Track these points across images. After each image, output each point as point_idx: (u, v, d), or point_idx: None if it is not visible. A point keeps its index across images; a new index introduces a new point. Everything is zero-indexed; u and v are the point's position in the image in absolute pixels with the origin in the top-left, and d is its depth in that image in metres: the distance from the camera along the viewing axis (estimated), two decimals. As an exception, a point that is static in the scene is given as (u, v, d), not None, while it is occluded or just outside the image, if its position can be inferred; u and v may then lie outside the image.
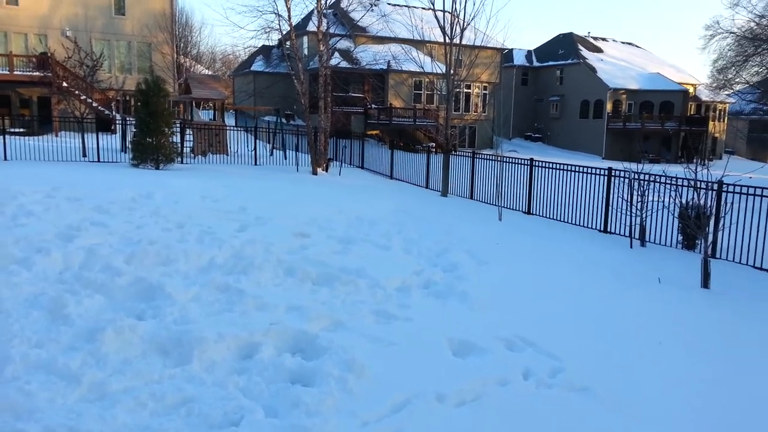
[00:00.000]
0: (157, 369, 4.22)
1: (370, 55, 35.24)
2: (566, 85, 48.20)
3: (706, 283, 7.54)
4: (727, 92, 40.91)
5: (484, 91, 41.90)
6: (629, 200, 10.45)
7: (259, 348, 4.63)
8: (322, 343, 4.76)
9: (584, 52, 48.14)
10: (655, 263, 8.91)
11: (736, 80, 32.16)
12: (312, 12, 28.02)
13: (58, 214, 8.94)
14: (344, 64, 31.53)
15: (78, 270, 6.20)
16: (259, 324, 5.04)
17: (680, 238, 10.27)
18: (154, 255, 6.84)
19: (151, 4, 34.83)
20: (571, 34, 50.56)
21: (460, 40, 16.99)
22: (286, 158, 24.09)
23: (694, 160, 9.05)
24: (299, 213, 10.91)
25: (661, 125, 44.17)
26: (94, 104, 28.07)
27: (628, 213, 10.45)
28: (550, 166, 13.22)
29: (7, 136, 18.94)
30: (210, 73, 52.22)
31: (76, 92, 27.53)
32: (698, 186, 8.60)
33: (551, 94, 49.46)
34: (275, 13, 21.03)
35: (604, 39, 52.89)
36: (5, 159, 18.33)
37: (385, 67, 35.43)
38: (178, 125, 22.08)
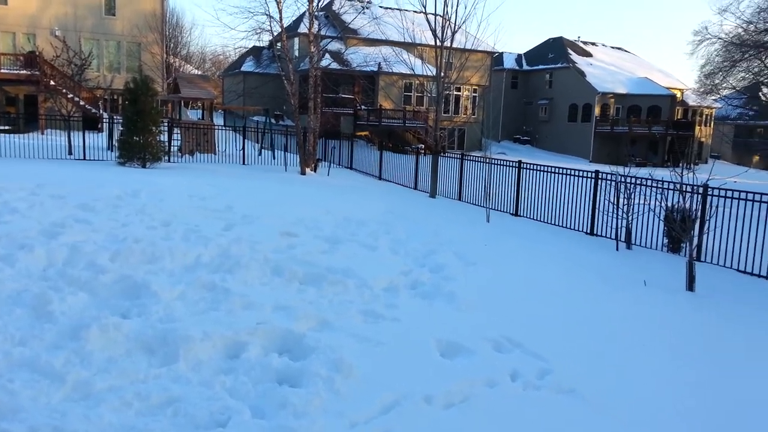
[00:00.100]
0: (142, 368, 4.18)
1: (360, 56, 35.26)
2: (555, 89, 48.53)
3: (691, 286, 7.60)
4: (713, 97, 41.40)
5: (474, 94, 42.06)
6: (616, 203, 10.53)
7: (245, 347, 4.59)
8: (310, 342, 4.73)
9: (574, 56, 48.49)
10: (641, 266, 8.97)
11: (723, 85, 32.53)
12: (304, 14, 27.98)
13: (43, 212, 8.84)
14: (335, 65, 31.52)
15: (62, 267, 6.13)
16: (245, 323, 5.01)
17: (665, 241, 10.35)
18: (140, 253, 6.78)
19: (142, 4, 34.63)
20: (561, 38, 50.90)
21: (451, 43, 17.05)
22: (274, 158, 24.03)
23: (680, 164, 9.12)
24: (287, 212, 10.87)
25: (648, 129, 44.59)
26: (82, 103, 27.84)
27: (615, 216, 10.53)
28: (538, 168, 13.28)
29: (-9, 133, 18.73)
30: (199, 73, 51.93)
31: (64, 91, 27.29)
32: (684, 189, 8.68)
33: (540, 98, 49.76)
34: (267, 15, 21.04)
35: (593, 43, 53.31)
36: (-10, 156, 18.10)
37: (375, 69, 35.45)
38: (165, 124, 21.94)
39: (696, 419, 4.22)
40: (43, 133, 23.75)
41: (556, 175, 12.64)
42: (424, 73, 26.83)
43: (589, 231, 11.64)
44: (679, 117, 47.91)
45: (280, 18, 20.66)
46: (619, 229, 10.46)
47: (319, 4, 21.26)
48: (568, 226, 12.07)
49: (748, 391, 4.75)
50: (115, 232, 7.91)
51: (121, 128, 18.55)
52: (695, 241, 8.33)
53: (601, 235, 11.32)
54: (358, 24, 32.63)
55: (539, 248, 9.95)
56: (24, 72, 27.13)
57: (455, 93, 40.26)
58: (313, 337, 4.86)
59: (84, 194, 10.72)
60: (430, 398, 4.10)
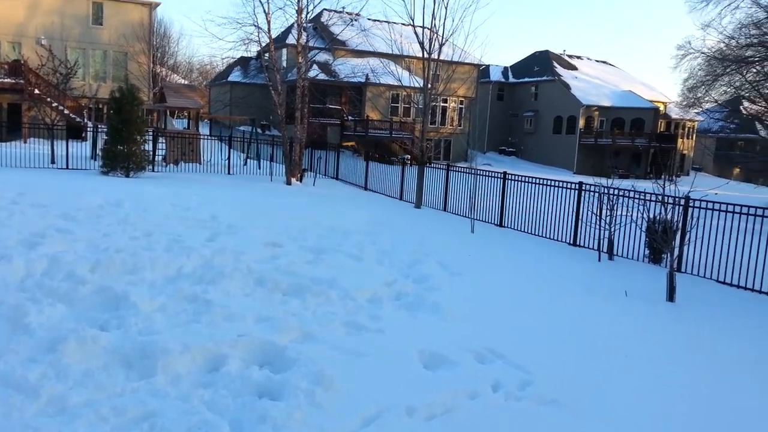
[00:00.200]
0: (119, 381, 4.11)
1: (348, 67, 35.38)
2: (541, 101, 49.01)
3: (671, 296, 7.67)
4: (696, 110, 41.97)
5: (461, 106, 42.35)
6: (599, 214, 10.62)
7: (225, 360, 4.54)
8: (291, 354, 4.69)
9: (559, 69, 49.06)
10: (623, 277, 9.04)
11: (705, 99, 33.01)
12: (292, 25, 28.03)
13: (23, 221, 8.72)
14: (322, 76, 31.60)
15: (40, 278, 6.04)
16: (226, 335, 4.95)
17: (647, 252, 10.45)
18: (120, 263, 6.70)
19: (130, 14, 34.54)
20: (546, 51, 51.49)
21: (438, 55, 17.17)
22: (260, 168, 23.95)
23: (663, 176, 9.23)
24: (272, 222, 10.82)
25: (631, 141, 45.16)
26: (66, 111, 27.60)
27: (598, 227, 10.62)
28: (523, 179, 13.37)
29: (-28, 142, 18.48)
30: (186, 82, 51.77)
31: (48, 99, 27.05)
32: (666, 201, 8.78)
33: (526, 110, 50.21)
34: (255, 26, 21.05)
35: (578, 57, 53.99)
36: (-30, 165, 17.86)
37: (363, 80, 35.59)
38: (150, 133, 21.81)
39: (678, 427, 4.24)
40: (25, 142, 23.49)
41: (541, 186, 12.74)
42: (412, 85, 26.95)
43: (572, 242, 11.72)
44: (662, 130, 48.57)
45: (269, 29, 20.70)
46: (601, 240, 10.54)
47: (308, 16, 21.33)
48: (552, 237, 12.15)
49: (729, 399, 4.79)
50: (97, 242, 7.82)
51: (105, 137, 18.41)
52: (676, 252, 8.41)
53: (584, 246, 11.40)
54: (347, 36, 32.78)
55: (523, 259, 9.99)
56: (8, 80, 26.83)
57: (442, 104, 40.51)
58: (295, 349, 4.82)
59: (66, 204, 10.60)
60: (412, 410, 4.08)
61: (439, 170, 16.83)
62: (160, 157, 22.55)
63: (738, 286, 8.82)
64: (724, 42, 28.84)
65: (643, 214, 9.84)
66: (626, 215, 10.26)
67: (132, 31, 33.73)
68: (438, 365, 4.93)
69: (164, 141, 23.44)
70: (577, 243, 11.62)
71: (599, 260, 10.27)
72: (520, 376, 4.81)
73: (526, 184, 13.17)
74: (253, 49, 25.05)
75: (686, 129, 51.19)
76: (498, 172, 14.28)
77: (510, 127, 51.42)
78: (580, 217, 11.55)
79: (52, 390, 3.85)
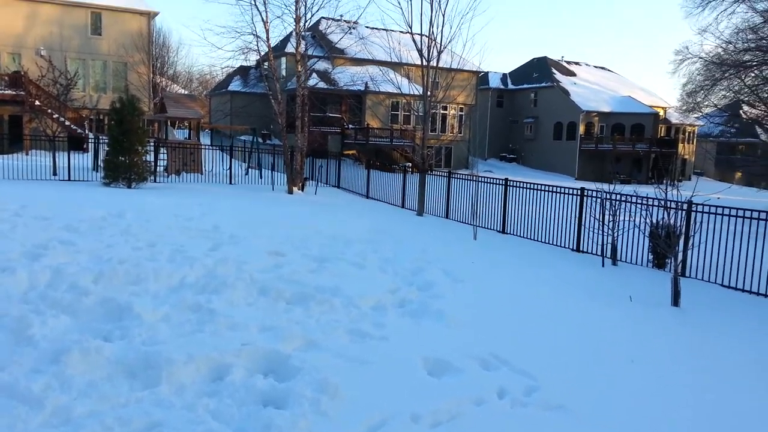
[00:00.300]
0: (124, 392, 4.09)
1: (348, 76, 35.49)
2: (540, 108, 49.12)
3: (676, 301, 7.65)
4: (696, 115, 42.09)
5: (460, 113, 42.44)
6: (601, 220, 10.61)
7: (230, 369, 4.52)
8: (296, 363, 4.68)
9: (558, 75, 49.20)
10: (627, 282, 9.02)
11: (705, 104, 33.06)
12: (290, 34, 28.16)
13: (26, 233, 8.73)
14: (322, 84, 31.67)
15: (44, 289, 6.03)
16: (230, 344, 4.94)
17: (651, 257, 10.43)
18: (123, 274, 6.70)
19: (129, 24, 34.69)
20: (545, 58, 51.66)
21: (437, 62, 17.22)
22: (261, 177, 23.99)
23: (664, 181, 9.23)
24: (274, 232, 10.82)
25: (632, 147, 45.19)
26: (67, 123, 27.70)
27: (601, 232, 10.60)
28: (525, 186, 13.37)
29: (-26, 154, 18.54)
30: (186, 92, 51.98)
31: (49, 111, 27.14)
32: (668, 206, 8.77)
33: (526, 116, 50.32)
34: (254, 35, 21.09)
35: (577, 63, 54.16)
36: (-28, 177, 17.90)
37: (362, 88, 35.69)
38: (152, 144, 21.87)
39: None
40: (27, 154, 23.55)
41: (543, 192, 12.74)
42: (411, 92, 27.06)
43: (575, 248, 11.70)
44: (662, 135, 48.64)
45: (267, 38, 20.79)
46: (604, 246, 10.53)
47: (306, 25, 21.42)
48: (555, 243, 12.13)
49: (736, 403, 4.76)
50: (100, 253, 7.82)
51: (106, 148, 18.46)
52: (680, 256, 8.39)
53: (588, 252, 11.38)
54: (345, 44, 32.94)
55: (526, 265, 9.97)
56: (9, 92, 26.94)
57: (442, 112, 40.60)
58: (299, 357, 4.80)
59: (68, 215, 10.61)
60: (417, 417, 4.06)
61: (441, 178, 16.84)
62: (162, 168, 22.59)
63: (743, 290, 8.80)
64: (721, 47, 28.95)
65: (646, 219, 9.83)
66: (629, 220, 10.25)
67: (131, 40, 33.87)
68: (443, 372, 4.91)
69: (166, 151, 23.51)
70: (581, 249, 11.60)
71: (603, 266, 10.25)
72: (526, 382, 4.80)
73: (528, 190, 13.17)
74: (253, 59, 25.23)
75: (687, 134, 51.27)
76: (500, 179, 14.29)
77: (510, 133, 51.51)
78: (583, 222, 11.54)
79: (57, 401, 3.84)
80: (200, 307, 5.87)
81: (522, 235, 13.05)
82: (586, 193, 11.65)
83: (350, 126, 36.78)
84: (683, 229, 9.06)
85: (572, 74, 50.62)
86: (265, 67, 23.61)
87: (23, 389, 3.90)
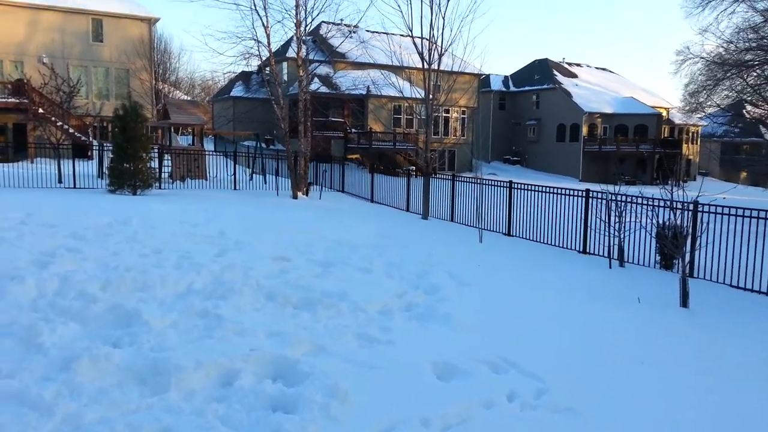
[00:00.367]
0: (133, 398, 4.10)
1: (349, 80, 35.56)
2: (543, 110, 49.11)
3: (684, 302, 7.62)
4: (699, 115, 41.95)
5: (463, 116, 42.45)
6: (607, 221, 10.58)
7: (238, 375, 4.52)
8: (304, 368, 4.67)
9: (559, 77, 49.20)
10: (634, 283, 8.99)
11: (708, 104, 32.97)
12: (291, 38, 28.26)
13: (33, 241, 8.75)
14: (324, 89, 31.78)
15: (52, 297, 6.04)
16: (238, 350, 4.94)
17: (658, 258, 10.40)
18: (131, 281, 6.71)
19: (130, 31, 34.82)
20: (546, 60, 51.67)
21: (438, 65, 17.24)
22: (266, 183, 24.03)
23: (670, 182, 9.20)
24: (279, 237, 10.83)
25: (635, 148, 45.12)
26: (71, 130, 27.81)
27: (607, 234, 10.57)
28: (529, 188, 13.36)
29: (-20, 163, 18.62)
30: (189, 98, 52.15)
31: (53, 118, 27.26)
32: (674, 206, 8.75)
33: (528, 118, 50.30)
34: (255, 40, 21.16)
35: (578, 64, 54.15)
36: (-22, 186, 17.98)
37: (364, 92, 35.75)
38: (156, 150, 21.94)
39: (695, 437, 4.20)
40: (32, 162, 23.65)
41: (547, 194, 12.72)
42: (413, 96, 27.07)
43: (581, 249, 11.68)
44: (665, 135, 48.57)
45: (268, 43, 20.85)
46: (611, 247, 10.50)
47: (307, 29, 21.46)
48: (561, 245, 12.11)
49: (745, 405, 4.73)
50: (107, 260, 7.84)
51: (111, 155, 18.52)
52: (687, 257, 8.36)
53: (594, 253, 11.35)
54: (346, 48, 32.95)
55: (533, 267, 9.95)
56: (12, 100, 27.06)
57: (444, 115, 40.64)
58: (308, 362, 4.80)
59: (74, 223, 10.64)
60: (427, 421, 4.05)
61: (445, 181, 16.84)
62: (167, 174, 22.65)
63: (752, 291, 8.76)
64: (722, 46, 28.90)
65: (652, 220, 9.81)
66: (635, 222, 10.22)
67: (132, 47, 33.98)
68: (451, 376, 4.90)
69: (170, 158, 23.58)
70: (587, 250, 11.58)
71: (610, 267, 10.22)
72: (535, 385, 4.78)
73: (533, 192, 13.15)
74: (254, 64, 25.28)
75: (690, 134, 51.18)
76: (504, 182, 14.28)
77: (513, 135, 51.50)
78: (589, 224, 11.51)
79: (67, 408, 3.84)
80: (208, 313, 5.87)
81: (528, 237, 13.03)
82: (591, 195, 11.63)
83: (353, 130, 36.83)
84: (690, 230, 9.03)
85: (574, 76, 50.61)
86: (267, 72, 23.69)
87: (34, 396, 3.91)
